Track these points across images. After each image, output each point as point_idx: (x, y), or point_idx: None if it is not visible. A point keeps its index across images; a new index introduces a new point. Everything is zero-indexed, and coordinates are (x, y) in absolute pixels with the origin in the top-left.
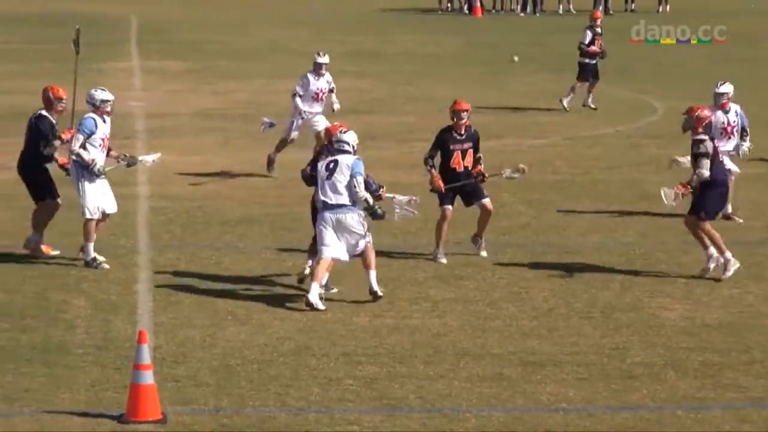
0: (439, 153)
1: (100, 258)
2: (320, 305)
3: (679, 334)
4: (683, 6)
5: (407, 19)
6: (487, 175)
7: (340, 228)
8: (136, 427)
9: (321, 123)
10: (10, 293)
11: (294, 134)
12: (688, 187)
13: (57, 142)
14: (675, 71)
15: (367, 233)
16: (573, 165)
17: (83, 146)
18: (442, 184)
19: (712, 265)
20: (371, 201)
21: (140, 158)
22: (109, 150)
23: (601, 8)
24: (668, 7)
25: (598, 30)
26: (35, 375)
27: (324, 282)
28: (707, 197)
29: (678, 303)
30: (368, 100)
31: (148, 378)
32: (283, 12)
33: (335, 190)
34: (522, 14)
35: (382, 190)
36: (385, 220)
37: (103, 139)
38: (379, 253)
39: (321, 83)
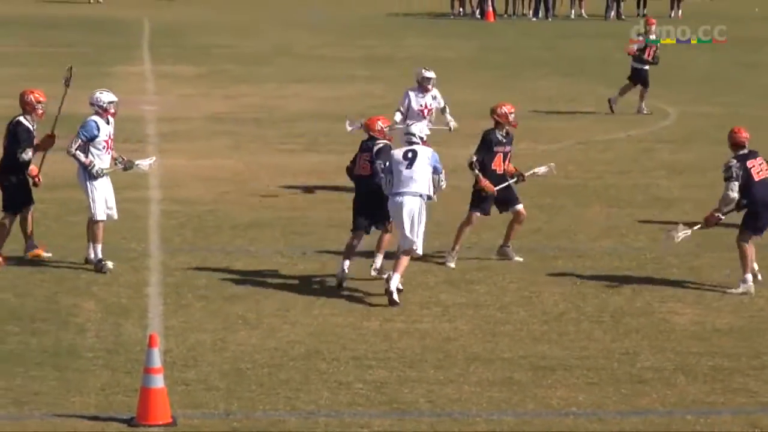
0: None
1: (107, 262)
2: (396, 297)
3: (690, 338)
4: (695, 10)
5: (419, 23)
6: (524, 174)
7: (408, 213)
8: (147, 431)
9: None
10: (21, 297)
11: None
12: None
13: (30, 151)
14: (682, 74)
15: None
16: (585, 169)
17: (84, 149)
18: (492, 186)
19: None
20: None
21: (137, 162)
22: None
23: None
24: (680, 11)
25: (652, 36)
26: (46, 378)
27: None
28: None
29: (689, 308)
30: (380, 105)
31: (159, 382)
32: (293, 16)
33: (411, 180)
34: (534, 19)
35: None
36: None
37: (106, 141)
38: (391, 257)
39: (426, 99)
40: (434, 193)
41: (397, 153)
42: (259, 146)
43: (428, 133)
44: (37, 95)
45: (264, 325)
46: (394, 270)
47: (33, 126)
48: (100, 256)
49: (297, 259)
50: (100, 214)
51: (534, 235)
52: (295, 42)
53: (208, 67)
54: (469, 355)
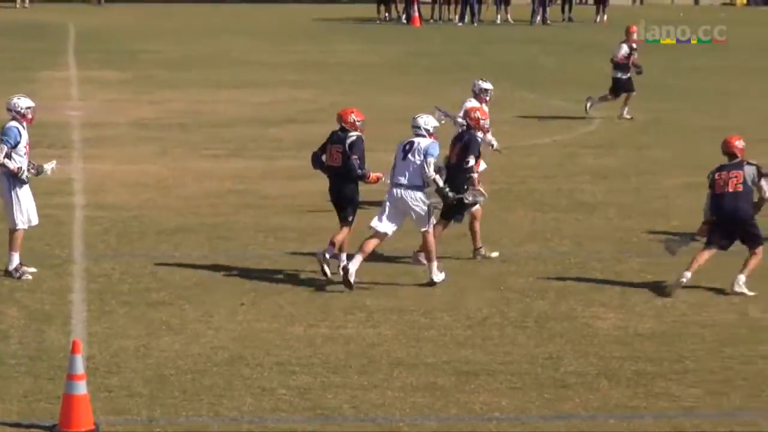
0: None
1: (27, 268)
2: (353, 278)
3: (613, 343)
4: (622, 14)
5: (347, 29)
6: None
7: (402, 204)
8: None
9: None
10: None
11: None
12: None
13: None
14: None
15: (429, 221)
16: (509, 174)
17: (8, 156)
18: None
19: None
20: (441, 183)
21: (45, 166)
22: None
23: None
24: (605, 17)
25: (634, 45)
26: None
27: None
28: None
29: (612, 312)
30: (310, 110)
31: (82, 388)
32: (219, 22)
33: (407, 170)
34: (460, 24)
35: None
36: (453, 201)
37: (26, 147)
38: (309, 261)
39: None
40: (441, 184)
41: (400, 144)
42: (184, 152)
43: (436, 125)
44: None
45: (188, 331)
46: (427, 259)
47: None
48: (17, 263)
49: (221, 265)
50: (22, 223)
51: (458, 241)
52: (223, 47)
53: (135, 73)
54: (392, 360)
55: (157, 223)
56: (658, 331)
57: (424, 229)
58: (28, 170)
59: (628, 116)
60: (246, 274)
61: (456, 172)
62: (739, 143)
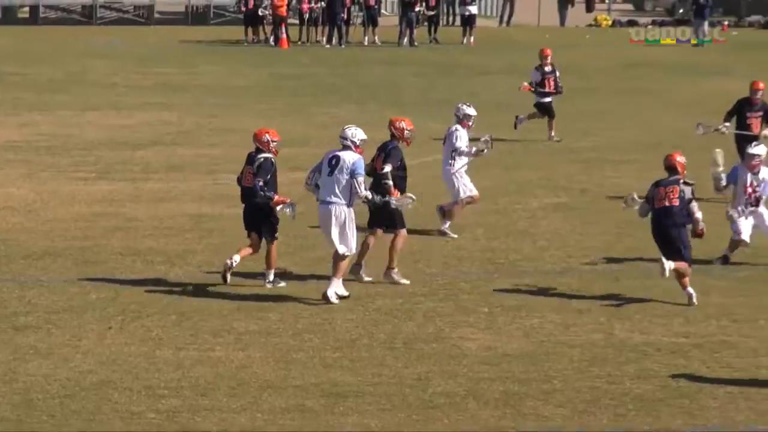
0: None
1: None
2: (334, 299)
3: (481, 363)
4: (489, 35)
5: (213, 51)
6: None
7: (333, 222)
8: None
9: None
10: None
11: None
12: None
13: None
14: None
15: (351, 245)
16: None
17: None
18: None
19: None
20: (371, 196)
21: None
22: None
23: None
24: (472, 38)
25: (548, 68)
26: None
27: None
28: None
29: (480, 333)
30: (174, 132)
31: None
32: (85, 44)
33: (334, 188)
34: (328, 46)
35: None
36: (379, 204)
37: None
38: (178, 284)
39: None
40: (352, 200)
41: (325, 158)
42: (51, 175)
43: (363, 137)
44: None
45: (55, 355)
46: (334, 275)
47: None
48: None
49: (89, 288)
50: None
51: (325, 262)
52: (89, 70)
53: (1, 95)
54: (261, 382)
55: (24, 247)
56: (526, 351)
57: (343, 251)
58: None
59: (556, 138)
60: (114, 297)
61: (381, 179)
62: (681, 159)
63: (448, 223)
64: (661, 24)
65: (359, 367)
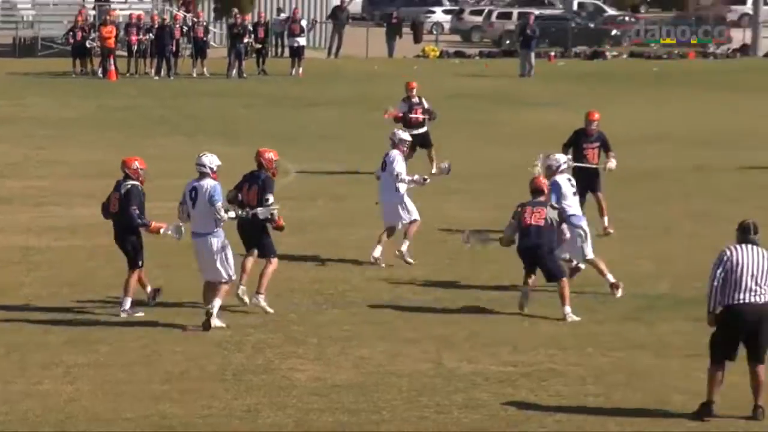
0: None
1: None
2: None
3: (310, 394)
4: (315, 68)
5: (41, 83)
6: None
7: (205, 253)
8: None
9: None
10: None
11: None
12: None
13: None
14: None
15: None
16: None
17: None
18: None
19: None
20: (234, 213)
21: None
22: None
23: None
24: (301, 70)
25: (415, 100)
26: None
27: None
28: None
29: (310, 364)
30: (1, 164)
31: None
32: None
33: (199, 218)
34: (156, 78)
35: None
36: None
37: None
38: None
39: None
40: (219, 224)
41: (185, 190)
42: None
43: (219, 163)
44: None
45: None
46: (214, 298)
47: None
48: None
49: None
50: None
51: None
52: None
53: None
54: (90, 415)
55: None
56: (355, 381)
57: (224, 281)
58: None
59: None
60: None
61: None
62: (546, 181)
63: (406, 244)
64: (488, 55)
65: (189, 399)
